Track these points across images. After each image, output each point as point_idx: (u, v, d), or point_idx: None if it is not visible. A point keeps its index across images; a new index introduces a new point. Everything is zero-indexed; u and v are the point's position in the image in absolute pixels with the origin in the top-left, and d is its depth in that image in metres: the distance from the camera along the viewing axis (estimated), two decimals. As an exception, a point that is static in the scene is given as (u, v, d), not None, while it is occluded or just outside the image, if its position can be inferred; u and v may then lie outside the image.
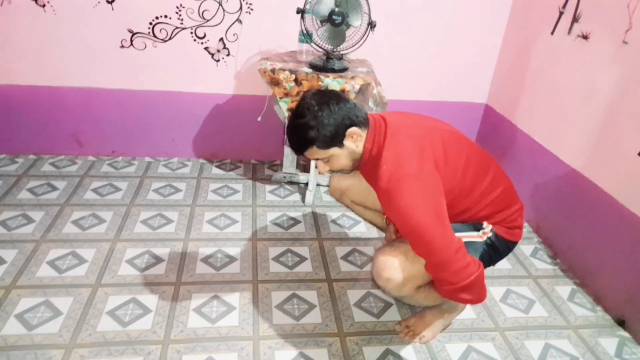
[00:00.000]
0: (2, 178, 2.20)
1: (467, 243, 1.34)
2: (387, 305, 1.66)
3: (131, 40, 2.23)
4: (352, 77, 2.02)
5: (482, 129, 2.69)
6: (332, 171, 1.33)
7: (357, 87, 2.00)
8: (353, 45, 2.03)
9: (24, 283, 1.60)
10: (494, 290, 1.78)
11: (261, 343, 1.46)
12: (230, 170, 2.48)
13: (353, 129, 1.23)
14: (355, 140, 1.26)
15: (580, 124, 1.88)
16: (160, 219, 2.02)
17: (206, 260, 1.80)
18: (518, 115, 2.34)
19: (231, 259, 1.81)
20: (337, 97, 1.24)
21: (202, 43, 2.28)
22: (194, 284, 1.67)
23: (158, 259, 1.78)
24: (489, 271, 1.87)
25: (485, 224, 1.40)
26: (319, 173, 1.35)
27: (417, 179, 1.20)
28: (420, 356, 1.47)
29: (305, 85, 2.01)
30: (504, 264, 1.92)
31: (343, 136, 1.23)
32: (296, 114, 1.24)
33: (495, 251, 1.42)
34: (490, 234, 1.39)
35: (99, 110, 2.37)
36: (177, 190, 2.25)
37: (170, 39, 2.25)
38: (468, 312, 1.65)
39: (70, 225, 1.92)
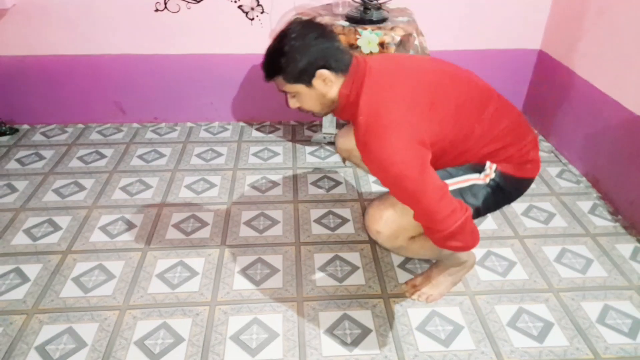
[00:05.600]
0: (54, 147, 2.29)
1: (466, 188, 1.26)
2: (433, 266, 1.61)
3: (165, 3, 2.20)
4: (392, 28, 1.90)
5: (535, 77, 2.49)
6: (301, 109, 1.26)
7: (398, 38, 1.88)
8: (392, -7, 1.89)
9: (78, 248, 1.68)
10: (548, 250, 1.68)
11: (305, 304, 1.47)
12: (270, 132, 2.46)
13: (323, 71, 1.15)
14: (326, 84, 1.17)
15: (650, 67, 1.68)
16: (204, 183, 2.04)
17: (249, 223, 1.81)
18: (576, 61, 2.14)
19: (273, 222, 1.82)
20: (322, 33, 1.16)
21: (235, 1, 2.21)
22: (238, 247, 1.69)
23: (203, 223, 1.81)
24: (541, 229, 1.77)
25: (487, 164, 1.28)
26: (289, 107, 1.27)
27: (395, 129, 1.12)
28: (467, 317, 1.43)
29: (342, 40, 1.91)
30: (558, 222, 1.81)
31: (312, 75, 1.15)
32: (276, 37, 1.17)
33: (502, 193, 1.31)
34: (493, 175, 1.28)
35: (138, 77, 2.39)
36: (219, 154, 2.26)
37: (202, -1, 2.20)
38: (519, 273, 1.58)
39: (119, 191, 1.98)
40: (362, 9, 1.94)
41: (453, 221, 1.13)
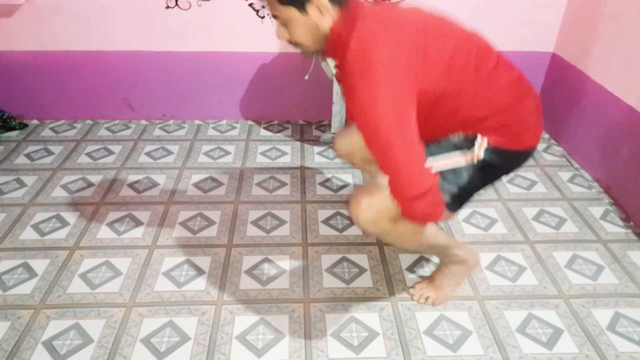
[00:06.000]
0: (63, 143, 2.29)
1: (447, 172, 1.21)
2: (441, 270, 1.60)
3: (176, 0, 2.20)
4: (404, 29, 1.87)
5: (548, 80, 2.47)
6: (290, 42, 1.19)
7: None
8: (404, -7, 1.88)
9: (86, 244, 1.68)
10: (558, 256, 1.66)
11: (311, 306, 1.46)
12: (278, 131, 2.45)
13: None
14: (322, 13, 1.10)
15: (667, 71, 1.66)
16: (211, 181, 2.04)
17: (256, 222, 1.80)
18: (590, 64, 2.11)
19: (281, 222, 1.81)
20: None
21: None
22: (245, 246, 1.69)
23: (210, 221, 1.80)
24: (552, 235, 1.75)
25: (477, 139, 1.20)
26: (278, 38, 1.20)
27: (383, 72, 1.05)
28: (476, 322, 1.41)
29: (354, 40, 1.90)
30: (569, 227, 1.79)
31: (308, 0, 1.08)
32: None
33: (493, 169, 1.25)
34: (482, 155, 1.20)
35: (147, 74, 2.39)
36: (227, 152, 2.25)
37: (213, -4, 2.19)
38: (529, 278, 1.56)
39: (127, 188, 1.98)
40: (373, 8, 1.93)
41: (419, 183, 1.09)
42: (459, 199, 1.27)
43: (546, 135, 2.43)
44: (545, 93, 2.49)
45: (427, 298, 1.47)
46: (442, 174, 1.20)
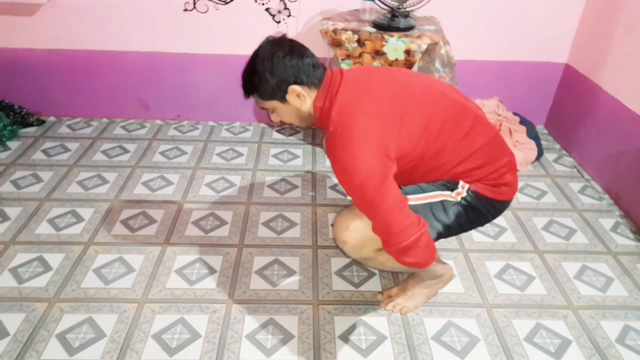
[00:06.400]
0: (79, 140, 2.33)
1: (436, 203, 1.28)
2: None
3: (194, 3, 2.23)
4: (419, 36, 1.90)
5: (560, 91, 2.47)
6: (283, 123, 1.33)
7: (424, 46, 1.88)
8: (421, 1, 1.90)
9: (100, 240, 1.71)
10: (568, 266, 1.66)
11: (320, 308, 1.47)
12: (290, 135, 2.47)
13: (294, 87, 1.20)
14: (300, 99, 1.23)
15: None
16: (224, 182, 2.06)
17: (267, 224, 1.82)
18: (603, 76, 2.11)
19: (291, 224, 1.83)
20: (290, 50, 1.20)
21: (263, 4, 2.23)
22: (256, 247, 1.71)
23: (222, 221, 1.82)
24: (562, 245, 1.75)
25: (460, 183, 1.30)
26: (272, 121, 1.34)
27: (362, 139, 1.15)
28: (484, 330, 1.42)
29: (368, 46, 1.93)
30: (579, 238, 1.79)
31: (285, 92, 1.21)
32: (251, 56, 1.23)
33: (475, 212, 1.32)
34: (465, 195, 1.29)
35: (163, 75, 2.42)
36: (239, 154, 2.28)
37: (232, 0, 2.22)
38: (537, 288, 1.57)
39: (141, 186, 2.01)
40: (389, 16, 1.95)
41: (408, 235, 1.15)
42: (442, 237, 1.35)
43: (557, 146, 2.43)
44: (557, 103, 2.49)
45: (395, 306, 1.47)
46: (434, 212, 1.28)
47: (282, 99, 1.23)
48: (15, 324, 1.38)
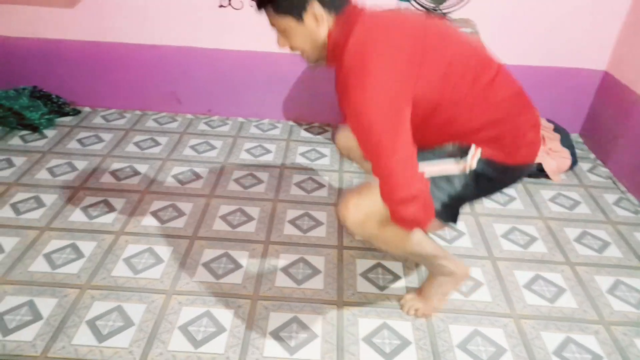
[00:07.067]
0: (113, 131, 2.38)
1: (440, 178, 1.19)
2: (477, 285, 1.58)
3: None
4: (454, 39, 1.87)
5: (597, 99, 2.40)
6: (292, 49, 1.21)
7: (459, 50, 1.85)
8: (458, 3, 1.87)
9: (130, 230, 1.74)
10: (600, 280, 1.62)
11: (345, 309, 1.47)
12: (319, 134, 2.47)
13: (315, 5, 1.10)
14: (317, 22, 1.12)
15: None
16: (252, 178, 2.08)
17: (293, 222, 1.83)
18: (646, 85, 2.04)
19: (317, 223, 1.83)
20: None
21: (297, 2, 2.24)
22: (282, 244, 1.71)
23: (249, 217, 1.84)
24: (594, 258, 1.70)
25: (471, 149, 1.19)
26: (279, 46, 1.23)
27: (378, 74, 1.05)
28: (511, 341, 1.39)
29: (402, 48, 1.90)
30: (613, 252, 1.74)
31: (303, 8, 1.10)
32: None
33: (487, 181, 1.23)
34: (475, 165, 1.19)
35: (196, 70, 2.46)
36: (268, 151, 2.29)
37: (266, -2, 2.23)
38: (568, 301, 1.53)
39: (171, 179, 2.04)
40: (425, 17, 1.93)
41: (409, 186, 1.09)
42: (450, 208, 1.27)
43: (592, 155, 2.37)
44: (594, 112, 2.42)
45: (416, 310, 1.45)
46: (435, 181, 1.19)
47: (299, 16, 1.12)
48: (48, 308, 1.42)
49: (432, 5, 1.89)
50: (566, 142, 2.24)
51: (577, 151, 2.32)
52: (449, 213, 1.30)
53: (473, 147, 1.19)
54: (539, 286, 1.58)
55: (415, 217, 1.13)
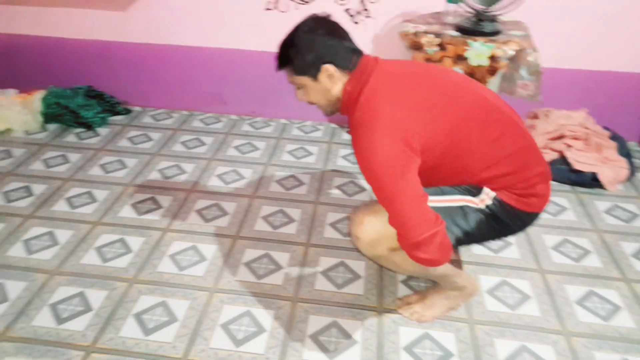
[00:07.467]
0: (161, 131, 2.46)
1: (456, 207, 1.23)
2: (525, 298, 1.52)
3: (276, 2, 2.28)
4: (506, 42, 1.81)
5: (660, 106, 2.26)
6: (310, 103, 1.29)
7: (511, 52, 1.79)
8: (510, 4, 1.81)
9: (176, 227, 1.79)
10: (660, 299, 1.52)
11: (385, 316, 1.45)
12: (361, 136, 2.45)
13: (328, 67, 1.18)
14: (331, 80, 1.21)
15: None
16: (293, 180, 2.09)
17: (334, 225, 1.82)
18: None
19: (359, 227, 1.81)
20: (332, 30, 1.21)
21: (342, 4, 2.23)
22: (322, 247, 1.71)
23: (290, 219, 1.85)
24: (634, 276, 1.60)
25: (484, 189, 1.24)
26: (297, 99, 1.32)
27: (385, 128, 1.12)
28: (561, 358, 1.32)
29: (450, 50, 1.86)
30: (675, 270, 1.63)
31: (318, 70, 1.19)
32: (293, 28, 1.22)
33: (498, 222, 1.26)
34: (490, 202, 1.23)
35: (242, 72, 2.49)
36: (309, 153, 2.30)
37: (312, 0, 2.24)
38: (625, 320, 1.44)
39: (215, 178, 2.08)
40: (475, 19, 1.88)
41: (423, 230, 1.11)
42: (462, 244, 1.30)
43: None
44: (655, 119, 2.28)
45: (412, 313, 1.43)
46: (452, 216, 1.23)
47: (314, 76, 1.21)
48: (98, 300, 1.48)
49: (483, 6, 1.83)
50: (623, 150, 2.12)
51: (635, 160, 2.19)
52: (459, 246, 1.33)
53: (485, 188, 1.25)
54: (593, 303, 1.50)
55: (432, 258, 1.16)
